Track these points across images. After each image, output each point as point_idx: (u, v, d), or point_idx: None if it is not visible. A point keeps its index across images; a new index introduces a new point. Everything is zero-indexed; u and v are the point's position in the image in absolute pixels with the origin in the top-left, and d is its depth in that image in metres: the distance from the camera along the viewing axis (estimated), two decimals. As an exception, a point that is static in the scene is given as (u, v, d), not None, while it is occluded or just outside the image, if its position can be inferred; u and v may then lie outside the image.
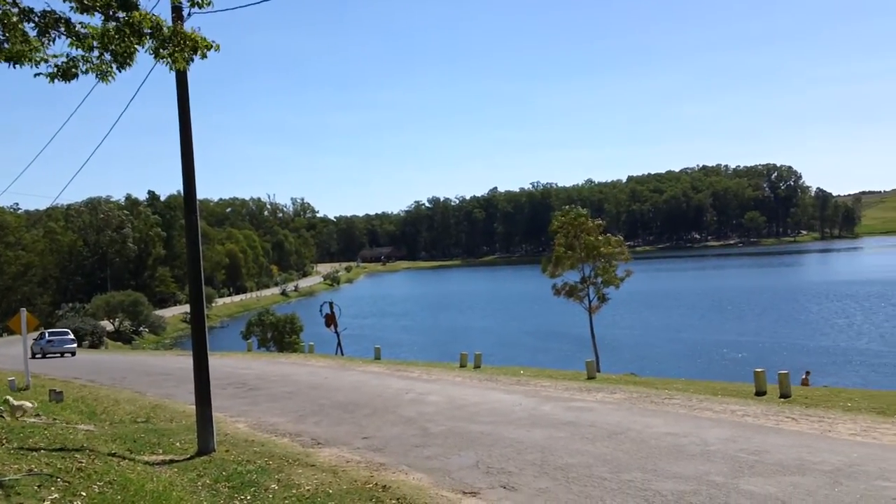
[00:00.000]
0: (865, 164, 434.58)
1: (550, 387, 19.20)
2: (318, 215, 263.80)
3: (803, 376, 27.86)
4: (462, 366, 25.28)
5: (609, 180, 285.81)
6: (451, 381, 21.50)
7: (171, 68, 9.57)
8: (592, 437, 12.57)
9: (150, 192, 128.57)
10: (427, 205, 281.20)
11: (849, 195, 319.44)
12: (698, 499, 8.82)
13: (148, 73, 12.69)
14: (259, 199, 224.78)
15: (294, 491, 9.28)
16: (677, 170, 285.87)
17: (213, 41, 9.35)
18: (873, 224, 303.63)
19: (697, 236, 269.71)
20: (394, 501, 8.95)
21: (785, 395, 15.92)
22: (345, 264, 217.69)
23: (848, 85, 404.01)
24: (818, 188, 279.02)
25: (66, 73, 8.96)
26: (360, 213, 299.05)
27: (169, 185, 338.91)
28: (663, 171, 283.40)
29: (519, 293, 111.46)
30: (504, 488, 9.68)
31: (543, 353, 51.71)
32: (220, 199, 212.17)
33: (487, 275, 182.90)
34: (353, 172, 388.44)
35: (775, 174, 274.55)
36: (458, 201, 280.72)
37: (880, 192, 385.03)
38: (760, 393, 16.50)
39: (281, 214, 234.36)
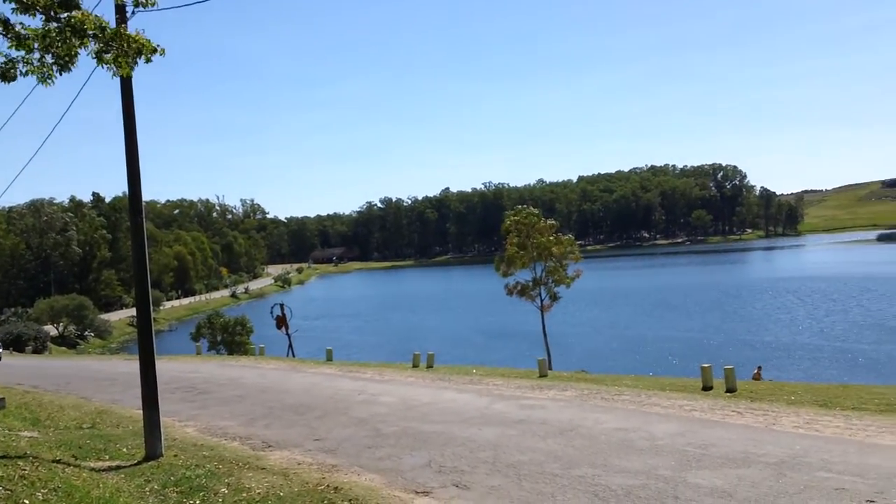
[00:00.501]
0: (808, 163, 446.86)
1: (503, 385, 19.33)
2: (268, 216, 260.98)
3: (755, 371, 28.46)
4: (415, 366, 25.29)
5: (560, 180, 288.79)
6: (404, 381, 21.49)
7: (114, 74, 9.23)
8: (544, 434, 12.71)
9: (95, 194, 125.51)
10: (379, 205, 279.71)
11: (791, 194, 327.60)
12: (647, 492, 8.99)
13: (90, 74, 12.39)
14: (208, 201, 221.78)
15: (244, 494, 9.18)
16: (626, 170, 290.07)
17: (159, 45, 9.11)
18: (816, 222, 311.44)
19: (646, 235, 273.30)
20: (346, 503, 8.93)
21: (731, 390, 16.28)
22: (296, 266, 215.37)
23: (788, 87, 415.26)
24: (762, 187, 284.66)
25: (4, 74, 8.70)
26: (312, 214, 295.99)
27: (114, 186, 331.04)
28: (613, 171, 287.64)
29: (472, 293, 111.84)
30: (456, 487, 9.74)
31: (496, 351, 52.02)
32: (168, 201, 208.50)
33: (440, 275, 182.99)
34: (303, 173, 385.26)
35: (721, 174, 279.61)
36: (410, 202, 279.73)
37: (822, 190, 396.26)
38: (707, 388, 16.85)
39: (230, 216, 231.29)
